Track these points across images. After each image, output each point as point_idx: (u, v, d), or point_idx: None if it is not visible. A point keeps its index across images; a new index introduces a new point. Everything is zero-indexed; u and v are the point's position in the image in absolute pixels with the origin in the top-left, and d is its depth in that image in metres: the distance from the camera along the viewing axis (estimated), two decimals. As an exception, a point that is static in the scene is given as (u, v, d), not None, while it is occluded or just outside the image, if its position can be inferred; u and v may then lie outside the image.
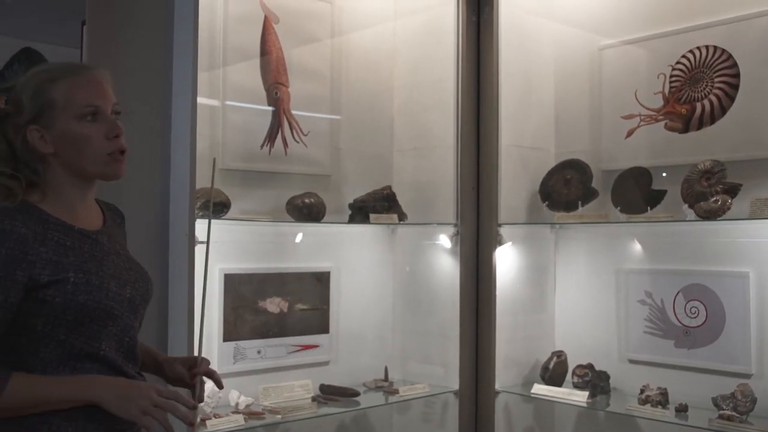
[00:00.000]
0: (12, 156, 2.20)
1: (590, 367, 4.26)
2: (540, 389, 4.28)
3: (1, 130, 2.21)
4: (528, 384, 4.42)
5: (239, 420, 3.58)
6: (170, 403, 2.12)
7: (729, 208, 3.62)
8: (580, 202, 4.25)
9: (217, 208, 3.61)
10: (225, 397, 3.79)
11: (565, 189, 4.32)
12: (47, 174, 2.22)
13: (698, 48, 4.01)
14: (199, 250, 3.24)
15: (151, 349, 2.53)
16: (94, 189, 2.32)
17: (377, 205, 4.24)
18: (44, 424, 2.06)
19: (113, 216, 2.46)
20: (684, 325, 4.03)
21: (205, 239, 2.60)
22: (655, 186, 4.00)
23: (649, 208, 3.97)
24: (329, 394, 4.09)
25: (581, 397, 4.11)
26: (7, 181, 2.15)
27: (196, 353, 2.46)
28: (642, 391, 3.92)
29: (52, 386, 2.06)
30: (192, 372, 2.41)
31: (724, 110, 3.91)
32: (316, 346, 4.27)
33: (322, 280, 4.31)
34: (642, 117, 4.21)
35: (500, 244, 4.37)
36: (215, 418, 3.52)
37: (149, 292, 2.41)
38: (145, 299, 2.38)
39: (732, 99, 3.88)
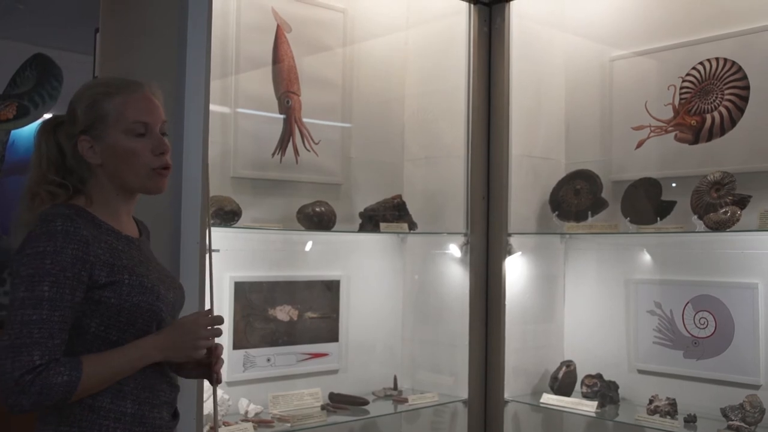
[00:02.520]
0: (62, 163, 2.31)
1: (599, 377, 4.26)
2: (549, 399, 4.28)
3: (54, 137, 2.33)
4: (537, 394, 4.42)
5: (248, 428, 3.59)
6: (216, 329, 2.39)
7: (738, 220, 3.62)
8: (589, 213, 4.25)
9: (228, 215, 3.62)
10: (234, 405, 3.81)
11: (575, 199, 4.32)
12: (93, 182, 2.32)
13: (708, 60, 4.02)
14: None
15: None
16: (135, 201, 2.43)
17: (387, 214, 4.25)
18: (95, 425, 2.17)
19: (144, 230, 2.56)
20: (693, 336, 4.03)
21: (216, 247, 2.65)
22: (665, 197, 4.01)
23: (658, 218, 3.98)
24: (338, 402, 4.10)
25: (590, 407, 4.11)
26: (54, 189, 2.27)
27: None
28: (651, 402, 3.93)
29: (119, 361, 2.19)
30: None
31: (733, 122, 3.92)
32: (325, 355, 4.28)
33: (332, 288, 4.33)
34: (652, 128, 4.22)
35: (510, 253, 4.38)
36: (224, 425, 3.53)
37: (183, 298, 2.54)
38: (181, 305, 2.51)
39: (742, 111, 3.89)
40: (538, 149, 4.60)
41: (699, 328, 4.01)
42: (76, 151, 2.29)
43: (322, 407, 4.01)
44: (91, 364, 2.11)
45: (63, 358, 2.08)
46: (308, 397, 4.04)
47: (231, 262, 3.83)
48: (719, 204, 3.70)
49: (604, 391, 4.19)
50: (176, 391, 2.44)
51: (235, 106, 3.99)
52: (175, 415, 2.45)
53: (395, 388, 4.46)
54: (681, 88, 4.12)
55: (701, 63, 4.05)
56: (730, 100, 3.94)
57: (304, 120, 4.20)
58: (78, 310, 2.14)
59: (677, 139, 4.12)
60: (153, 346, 2.25)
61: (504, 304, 4.34)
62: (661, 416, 3.83)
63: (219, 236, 3.43)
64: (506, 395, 4.34)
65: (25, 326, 2.04)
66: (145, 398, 2.27)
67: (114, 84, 2.35)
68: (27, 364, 2.01)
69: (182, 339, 2.30)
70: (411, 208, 4.37)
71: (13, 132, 6.45)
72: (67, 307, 2.10)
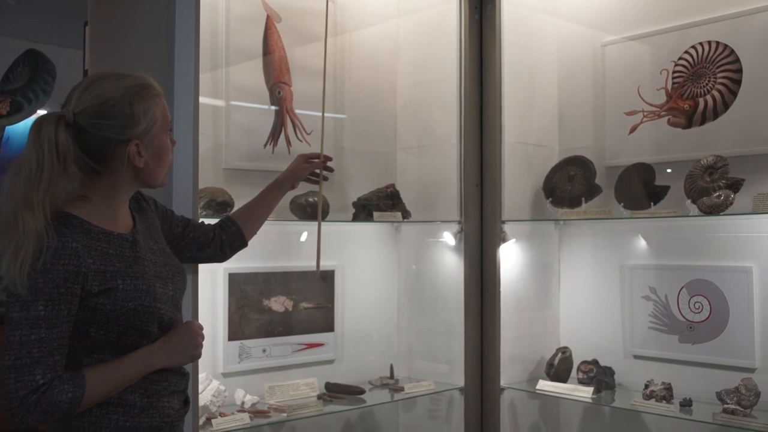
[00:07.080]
0: (83, 163, 2.26)
1: (595, 362, 4.27)
2: (545, 385, 4.28)
3: (78, 136, 2.24)
4: (533, 380, 4.42)
5: (245, 418, 3.59)
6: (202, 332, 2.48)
7: (732, 203, 3.62)
8: (583, 199, 4.25)
9: (221, 207, 3.62)
10: (230, 396, 3.81)
11: (569, 185, 4.32)
12: (107, 181, 2.29)
13: (700, 44, 4.01)
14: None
15: (256, 200, 3.15)
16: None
17: (381, 203, 4.24)
18: (104, 419, 2.20)
19: (141, 207, 2.53)
20: (688, 321, 4.03)
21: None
22: (659, 182, 4.01)
23: (652, 203, 3.97)
24: (335, 392, 4.10)
25: (586, 392, 4.11)
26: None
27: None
28: (647, 386, 3.93)
29: (120, 372, 2.23)
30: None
31: (726, 106, 3.91)
32: (321, 345, 4.28)
33: (326, 278, 4.32)
34: (645, 113, 4.21)
35: (504, 241, 4.37)
36: (221, 416, 3.53)
37: (185, 282, 2.54)
38: (183, 290, 2.51)
39: (734, 94, 3.88)
40: (531, 136, 4.60)
41: (694, 312, 4.01)
42: (120, 154, 2.25)
43: (319, 397, 4.01)
44: (94, 378, 2.14)
45: (66, 374, 2.10)
46: (304, 387, 4.04)
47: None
48: (712, 188, 3.69)
49: (599, 376, 4.20)
50: (186, 378, 2.47)
51: (226, 98, 3.97)
52: (186, 402, 2.47)
53: (391, 376, 4.46)
54: (673, 72, 4.11)
55: (693, 47, 4.04)
56: (722, 84, 3.93)
57: (296, 110, 4.20)
58: (75, 319, 2.14)
59: (670, 123, 4.12)
60: (155, 355, 2.29)
61: (499, 292, 4.34)
62: (656, 401, 3.83)
63: (212, 228, 3.42)
64: (502, 382, 4.34)
65: (24, 347, 2.05)
66: (154, 390, 2.30)
67: (154, 86, 2.35)
68: (30, 384, 2.03)
69: (183, 343, 2.36)
70: (404, 197, 4.36)
71: (7, 128, 6.46)
72: (64, 323, 2.11)
